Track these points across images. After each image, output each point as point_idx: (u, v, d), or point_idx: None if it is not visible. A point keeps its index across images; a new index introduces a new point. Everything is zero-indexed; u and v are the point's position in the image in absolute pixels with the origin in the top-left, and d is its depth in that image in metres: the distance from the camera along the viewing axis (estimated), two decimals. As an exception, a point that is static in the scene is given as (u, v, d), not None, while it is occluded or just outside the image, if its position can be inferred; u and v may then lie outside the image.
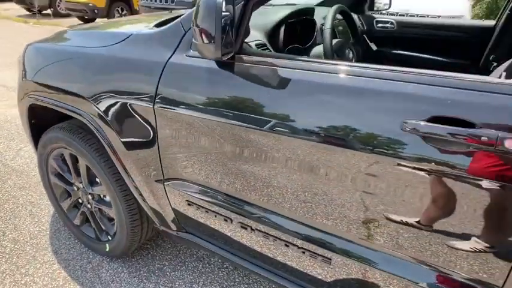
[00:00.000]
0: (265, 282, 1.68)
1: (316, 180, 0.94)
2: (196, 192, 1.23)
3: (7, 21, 9.37)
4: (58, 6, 9.68)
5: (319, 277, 1.06)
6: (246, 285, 1.67)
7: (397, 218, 0.86)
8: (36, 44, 1.67)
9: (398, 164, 0.79)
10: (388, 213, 0.87)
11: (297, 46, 1.42)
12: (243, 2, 0.96)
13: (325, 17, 1.57)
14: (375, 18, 2.23)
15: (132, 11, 8.55)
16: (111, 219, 1.70)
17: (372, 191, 0.86)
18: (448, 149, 0.74)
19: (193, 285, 1.67)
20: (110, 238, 1.71)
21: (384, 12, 2.54)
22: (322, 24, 1.55)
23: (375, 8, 2.47)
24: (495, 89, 0.73)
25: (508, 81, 0.74)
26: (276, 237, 1.10)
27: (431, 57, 1.98)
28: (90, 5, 8.22)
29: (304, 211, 1.00)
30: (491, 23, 1.93)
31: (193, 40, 0.93)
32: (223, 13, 0.88)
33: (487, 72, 1.45)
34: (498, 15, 1.89)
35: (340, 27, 1.65)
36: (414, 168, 0.78)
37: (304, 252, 1.04)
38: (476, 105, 0.73)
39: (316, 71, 0.93)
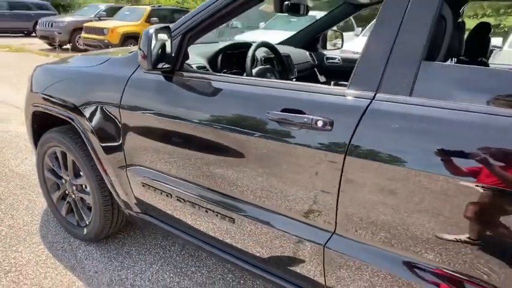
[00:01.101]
0: (214, 266, 1.99)
1: (230, 159, 1.31)
2: (149, 176, 1.61)
3: (30, 54, 10.25)
4: (77, 41, 10.60)
5: (248, 250, 1.39)
6: (196, 268, 1.98)
7: (274, 180, 1.22)
8: (43, 65, 2.14)
9: (265, 139, 1.18)
10: (269, 177, 1.23)
11: (237, 71, 1.86)
12: (179, 37, 1.41)
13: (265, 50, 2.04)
14: (325, 55, 2.69)
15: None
16: (90, 209, 2.06)
17: (256, 162, 1.24)
18: (291, 128, 1.13)
19: (153, 266, 1.99)
20: (88, 223, 2.07)
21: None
22: (263, 56, 2.01)
23: (334, 47, 2.91)
24: (316, 90, 1.13)
25: (317, 85, 1.15)
26: (207, 208, 1.45)
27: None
28: (106, 41, 9.06)
29: (222, 184, 1.36)
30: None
31: (138, 59, 1.36)
32: (164, 42, 1.33)
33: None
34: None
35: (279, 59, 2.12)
36: (274, 141, 1.16)
37: (233, 222, 1.38)
38: (305, 101, 1.12)
39: (227, 82, 1.34)
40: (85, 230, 2.08)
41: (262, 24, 8.65)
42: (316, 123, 1.07)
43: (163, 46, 1.32)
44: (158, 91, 1.47)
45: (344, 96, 1.08)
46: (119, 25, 9.46)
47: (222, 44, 1.91)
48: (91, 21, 10.54)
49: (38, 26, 11.30)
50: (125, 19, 10.03)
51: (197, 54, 1.71)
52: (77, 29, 10.44)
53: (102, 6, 12.00)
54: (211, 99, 1.34)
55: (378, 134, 1.01)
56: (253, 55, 1.71)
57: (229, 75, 1.46)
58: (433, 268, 1.01)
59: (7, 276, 1.86)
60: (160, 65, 1.32)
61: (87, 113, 1.71)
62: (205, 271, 1.96)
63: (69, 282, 1.85)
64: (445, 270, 0.99)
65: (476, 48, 1.80)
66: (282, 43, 2.71)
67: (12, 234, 2.20)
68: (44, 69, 2.09)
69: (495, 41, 6.50)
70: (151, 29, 1.27)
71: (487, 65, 1.85)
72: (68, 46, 10.70)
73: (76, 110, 1.75)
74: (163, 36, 1.32)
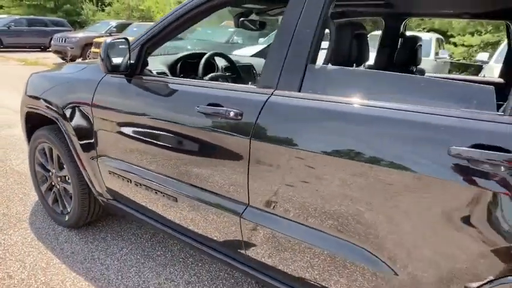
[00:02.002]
0: (178, 251, 2.23)
1: (172, 145, 1.58)
2: (114, 164, 1.88)
3: (44, 67, 10.84)
4: (88, 56, 11.17)
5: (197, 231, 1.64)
6: (161, 252, 2.23)
7: (204, 162, 1.48)
8: (38, 73, 2.46)
9: (195, 128, 1.45)
10: (199, 159, 1.49)
11: (193, 76, 2.15)
12: (138, 47, 1.70)
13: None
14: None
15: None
16: (71, 198, 2.34)
17: (190, 147, 1.50)
18: (213, 118, 1.39)
19: (123, 249, 2.24)
20: (69, 211, 2.35)
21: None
22: (224, 65, 2.30)
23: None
24: (234, 88, 1.39)
25: (239, 85, 1.41)
26: (156, 190, 1.71)
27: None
28: (114, 55, 9.55)
29: (172, 169, 1.62)
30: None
31: (99, 62, 1.66)
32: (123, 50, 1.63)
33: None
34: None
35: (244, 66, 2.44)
36: (201, 129, 1.43)
37: (176, 200, 1.64)
38: (224, 97, 1.39)
39: (173, 83, 1.62)
40: (67, 217, 2.35)
41: (261, 40, 9.04)
42: (229, 114, 1.33)
43: (123, 54, 1.62)
44: (120, 91, 1.76)
45: (252, 92, 1.34)
46: (126, 40, 9.96)
47: (181, 54, 2.22)
48: (102, 36, 11.11)
49: (52, 42, 11.94)
50: (133, 35, 10.54)
51: (161, 63, 2.01)
52: (88, 44, 11.01)
53: (113, 23, 12.64)
54: (159, 98, 1.62)
55: (273, 121, 1.27)
56: (206, 63, 2.00)
57: (175, 78, 1.74)
58: (326, 232, 1.23)
59: (-5, 253, 2.14)
60: (119, 69, 1.62)
61: (67, 112, 2.00)
62: (169, 255, 2.20)
63: (48, 260, 2.11)
64: (334, 234, 1.21)
65: (406, 58, 2.05)
66: (254, 55, 3.01)
67: (4, 220, 2.49)
68: (37, 75, 2.42)
69: (483, 56, 6.70)
70: (109, 40, 1.57)
71: (414, 72, 2.09)
72: (79, 60, 11.27)
73: (58, 109, 2.05)
74: (123, 46, 1.62)
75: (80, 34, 11.93)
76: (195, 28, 10.51)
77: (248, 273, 1.52)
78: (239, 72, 2.33)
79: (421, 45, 2.10)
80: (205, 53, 2.15)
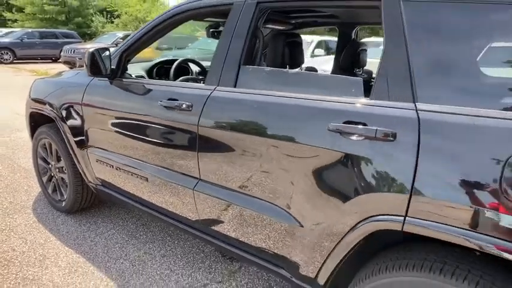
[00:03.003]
0: (159, 232, 2.57)
1: (143, 133, 1.92)
2: (100, 153, 2.23)
3: (54, 77, 11.41)
4: (95, 66, 11.72)
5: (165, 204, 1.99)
6: (144, 232, 2.56)
7: (164, 145, 1.82)
8: (42, 79, 2.85)
9: (159, 119, 1.79)
10: (161, 143, 1.82)
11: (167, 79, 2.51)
12: (119, 55, 2.06)
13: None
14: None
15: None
16: (68, 186, 2.70)
17: (155, 135, 1.84)
18: (170, 110, 1.73)
19: (111, 230, 2.59)
20: (65, 198, 2.71)
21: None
22: (197, 70, 2.66)
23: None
24: (187, 86, 1.73)
25: (193, 83, 1.75)
26: (132, 172, 2.06)
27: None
28: (119, 65, 10.05)
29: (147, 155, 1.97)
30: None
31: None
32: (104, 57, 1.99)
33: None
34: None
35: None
36: (162, 119, 1.77)
37: (147, 180, 1.98)
38: (179, 93, 1.73)
39: (146, 84, 1.98)
40: (63, 203, 2.71)
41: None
42: (182, 106, 1.67)
43: (104, 60, 1.98)
44: (104, 92, 2.12)
45: (200, 89, 1.68)
46: (131, 51, 10.46)
47: (157, 60, 2.59)
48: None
49: (62, 53, 12.55)
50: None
51: (141, 68, 2.38)
52: (96, 55, 11.56)
53: (120, 34, 13.22)
54: (133, 95, 1.97)
55: (214, 111, 1.60)
56: (179, 68, 2.36)
57: (148, 79, 2.10)
58: (256, 197, 1.55)
59: (2, 232, 2.50)
60: (101, 74, 1.98)
61: (63, 111, 2.37)
62: (150, 235, 2.54)
63: (46, 238, 2.46)
64: (261, 197, 1.53)
65: (350, 60, 2.38)
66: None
67: (11, 207, 2.86)
68: (40, 81, 2.80)
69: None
70: (92, 49, 1.94)
71: (357, 75, 2.41)
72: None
73: (56, 109, 2.42)
74: (104, 54, 1.98)
75: (88, 45, 12.49)
76: (197, 38, 10.98)
77: (194, 234, 1.86)
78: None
79: (365, 49, 2.42)
80: (176, 59, 2.51)
